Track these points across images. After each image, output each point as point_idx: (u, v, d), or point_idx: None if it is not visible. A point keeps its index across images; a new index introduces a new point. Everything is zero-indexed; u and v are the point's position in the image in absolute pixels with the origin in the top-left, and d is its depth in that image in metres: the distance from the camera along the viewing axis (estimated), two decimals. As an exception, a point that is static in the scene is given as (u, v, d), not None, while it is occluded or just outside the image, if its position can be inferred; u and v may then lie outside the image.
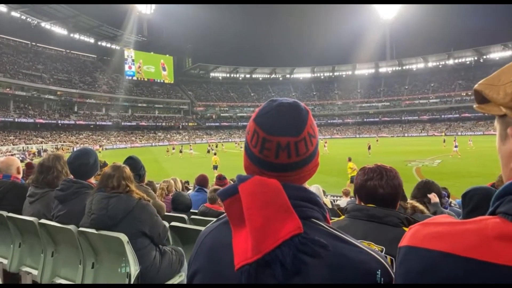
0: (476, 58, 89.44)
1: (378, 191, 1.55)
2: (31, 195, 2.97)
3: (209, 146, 43.91)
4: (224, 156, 23.80)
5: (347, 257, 0.73)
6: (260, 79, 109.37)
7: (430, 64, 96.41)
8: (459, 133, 69.59)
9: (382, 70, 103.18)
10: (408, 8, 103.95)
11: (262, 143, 0.80)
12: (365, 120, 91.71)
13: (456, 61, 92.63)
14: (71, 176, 2.85)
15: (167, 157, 35.42)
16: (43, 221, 2.72)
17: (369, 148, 30.73)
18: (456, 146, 26.86)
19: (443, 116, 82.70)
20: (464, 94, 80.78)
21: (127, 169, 2.62)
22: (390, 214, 1.51)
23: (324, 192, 8.68)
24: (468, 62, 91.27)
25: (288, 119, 0.80)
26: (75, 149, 4.24)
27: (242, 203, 0.77)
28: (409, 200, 2.66)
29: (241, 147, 48.79)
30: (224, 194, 0.82)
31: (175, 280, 2.65)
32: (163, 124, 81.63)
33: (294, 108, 0.82)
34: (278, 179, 0.79)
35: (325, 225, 0.80)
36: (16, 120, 54.99)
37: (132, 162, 3.78)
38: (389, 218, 1.49)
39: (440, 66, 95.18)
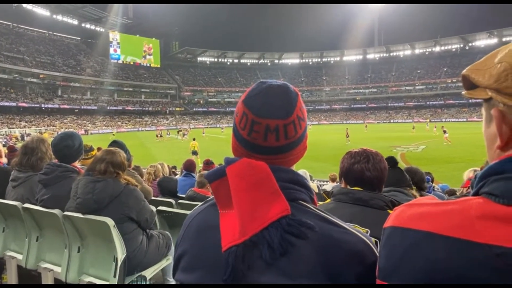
0: (462, 45, 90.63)
1: (365, 174, 1.57)
2: (14, 179, 2.91)
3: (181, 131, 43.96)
4: (209, 141, 23.63)
5: (333, 238, 0.73)
6: (248, 64, 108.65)
7: (417, 51, 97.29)
8: (443, 120, 70.77)
9: (370, 56, 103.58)
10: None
11: (250, 125, 0.79)
12: (352, 106, 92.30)
13: (443, 48, 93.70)
14: (55, 160, 2.81)
15: (157, 142, 35.14)
16: (27, 205, 2.67)
17: (347, 135, 29.71)
18: (445, 132, 26.70)
19: (428, 102, 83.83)
20: (450, 81, 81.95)
21: (120, 156, 2.56)
22: (376, 197, 1.53)
23: (310, 177, 8.77)
24: (454, 50, 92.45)
25: (278, 101, 0.79)
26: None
27: (230, 185, 0.77)
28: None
29: (222, 131, 48.49)
30: (211, 176, 0.82)
31: (162, 264, 2.66)
32: (150, 109, 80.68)
33: (283, 90, 0.81)
34: (266, 162, 0.79)
35: (312, 207, 0.80)
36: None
37: (117, 146, 3.72)
38: (374, 201, 1.51)
39: (427, 53, 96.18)
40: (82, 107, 67.94)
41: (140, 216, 2.50)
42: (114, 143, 3.75)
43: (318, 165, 15.78)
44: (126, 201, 2.42)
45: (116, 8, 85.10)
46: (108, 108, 72.25)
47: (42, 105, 61.26)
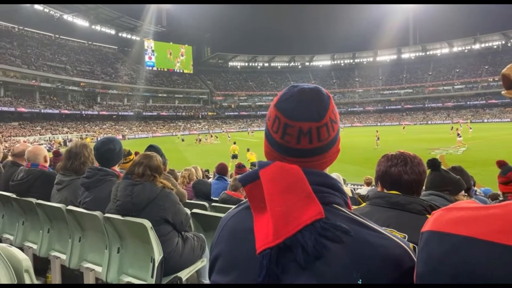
0: (503, 42, 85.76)
1: (403, 177, 1.52)
2: (59, 183, 3.07)
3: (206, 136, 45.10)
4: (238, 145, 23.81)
5: (369, 242, 0.72)
6: (279, 67, 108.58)
7: (455, 49, 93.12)
8: (485, 120, 67.33)
9: (405, 56, 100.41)
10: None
11: (283, 128, 0.80)
12: (386, 107, 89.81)
13: (483, 45, 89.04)
14: (96, 164, 2.94)
15: (194, 145, 36.14)
16: (70, 207, 2.82)
17: (377, 139, 27.95)
18: (459, 136, 25.40)
19: (468, 102, 79.99)
20: (491, 79, 77.83)
21: (157, 159, 2.65)
22: (413, 202, 1.47)
23: (344, 180, 8.61)
24: (495, 47, 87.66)
25: (310, 104, 0.80)
26: (99, 139, 4.45)
27: (263, 188, 0.77)
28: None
29: (252, 134, 48.65)
30: (245, 179, 0.82)
31: (197, 265, 2.70)
32: (183, 113, 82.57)
33: (315, 93, 0.82)
34: (299, 165, 0.79)
35: (346, 211, 0.79)
36: (42, 111, 56.73)
37: (153, 150, 3.84)
38: (412, 206, 1.46)
39: (466, 51, 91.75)
40: (120, 113, 70.70)
41: (175, 219, 2.57)
42: (151, 147, 3.88)
43: (352, 168, 15.48)
44: (163, 204, 2.49)
45: (150, 16, 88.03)
46: (144, 113, 74.71)
47: (83, 112, 64.33)
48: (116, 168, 2.96)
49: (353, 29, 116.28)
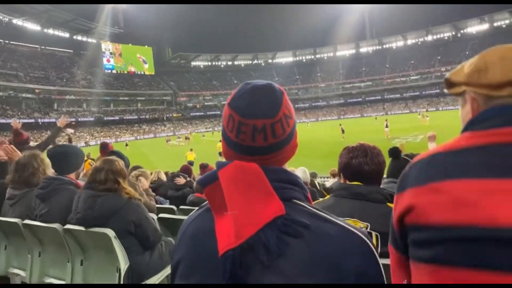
0: (453, 33, 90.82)
1: (364, 168, 1.57)
2: (11, 198, 2.88)
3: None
4: (207, 145, 23.59)
5: (328, 235, 0.73)
6: (242, 65, 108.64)
7: (409, 42, 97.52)
8: (440, 108, 70.84)
9: (363, 50, 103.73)
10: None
11: (238, 127, 0.79)
12: (348, 101, 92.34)
13: (435, 37, 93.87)
14: (51, 173, 2.80)
15: (169, 148, 35.94)
16: (27, 221, 2.65)
17: (342, 131, 29.30)
18: (387, 126, 26.89)
19: (424, 92, 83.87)
20: (444, 69, 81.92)
21: (119, 163, 2.53)
22: (374, 191, 1.53)
23: (314, 174, 8.76)
24: (446, 38, 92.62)
25: (263, 101, 0.79)
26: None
27: (223, 188, 0.76)
28: None
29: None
30: (204, 181, 0.81)
31: (167, 271, 2.64)
32: (147, 116, 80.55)
33: (268, 90, 0.81)
34: (257, 163, 0.79)
35: (306, 205, 0.80)
36: (-5, 121, 53.42)
37: (115, 155, 3.70)
38: (373, 195, 1.51)
39: (419, 43, 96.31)
40: (79, 119, 67.84)
41: (142, 234, 2.43)
42: (112, 153, 3.74)
43: (319, 162, 15.76)
44: (127, 217, 2.37)
45: (106, 18, 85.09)
46: (105, 118, 72.18)
47: (39, 120, 61.13)
48: (73, 176, 2.82)
49: (313, 25, 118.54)
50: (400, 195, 0.83)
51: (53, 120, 62.97)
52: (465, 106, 0.87)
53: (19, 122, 4.97)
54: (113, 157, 2.63)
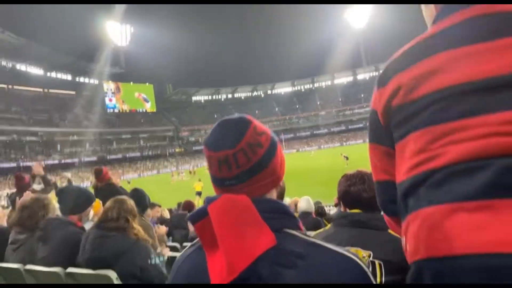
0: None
1: (362, 195, 1.56)
2: (13, 242, 2.85)
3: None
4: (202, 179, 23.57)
5: (321, 261, 0.73)
6: (242, 98, 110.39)
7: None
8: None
9: (360, 77, 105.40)
10: (378, 15, 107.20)
11: (209, 161, 0.83)
12: (349, 127, 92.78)
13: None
14: (55, 215, 2.80)
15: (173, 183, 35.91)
16: (28, 267, 2.61)
17: (346, 158, 29.61)
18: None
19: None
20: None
21: (130, 202, 2.55)
22: (374, 218, 1.51)
23: (319, 202, 8.65)
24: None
25: (225, 133, 0.82)
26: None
27: (213, 223, 0.75)
28: None
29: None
30: (194, 217, 0.80)
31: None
32: (150, 153, 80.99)
33: (233, 122, 0.84)
34: (239, 193, 0.79)
35: (298, 234, 0.79)
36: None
37: (137, 193, 3.72)
38: (373, 222, 1.50)
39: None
40: (82, 159, 68.22)
41: (146, 276, 2.37)
42: (134, 191, 3.81)
43: (323, 190, 15.64)
44: (133, 260, 2.33)
45: (106, 58, 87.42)
46: (108, 157, 72.59)
47: (43, 162, 61.48)
48: (75, 217, 2.80)
49: (309, 55, 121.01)
50: (383, 88, 0.90)
51: (57, 161, 63.45)
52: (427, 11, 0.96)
53: (42, 164, 5.07)
54: (124, 197, 2.65)
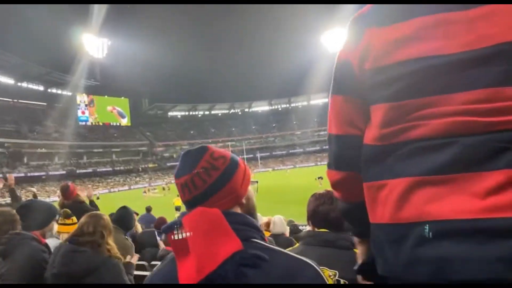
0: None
1: (330, 215, 1.57)
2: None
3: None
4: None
5: (281, 263, 0.83)
6: (220, 114, 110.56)
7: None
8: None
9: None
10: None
11: (177, 188, 0.96)
12: (323, 147, 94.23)
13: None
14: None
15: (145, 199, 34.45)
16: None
17: (321, 178, 28.88)
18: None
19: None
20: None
21: (106, 217, 2.51)
22: (341, 238, 1.53)
23: (292, 221, 8.63)
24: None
25: (185, 160, 0.96)
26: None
27: (185, 232, 0.84)
28: None
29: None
30: (168, 227, 0.87)
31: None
32: (121, 168, 78.93)
33: (192, 151, 0.97)
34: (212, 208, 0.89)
35: (262, 242, 0.89)
36: (-42, 177, 50.81)
37: (125, 212, 3.65)
38: (340, 242, 1.52)
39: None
40: (49, 173, 65.59)
41: None
42: (123, 208, 3.81)
43: (296, 208, 15.66)
44: (102, 278, 2.24)
45: (81, 70, 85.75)
46: (78, 171, 70.25)
47: (7, 175, 58.69)
48: (38, 233, 2.66)
49: (286, 75, 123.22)
50: (356, 44, 0.89)
51: (22, 174, 60.69)
52: None
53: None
54: (98, 212, 2.63)
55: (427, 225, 0.71)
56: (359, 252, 1.10)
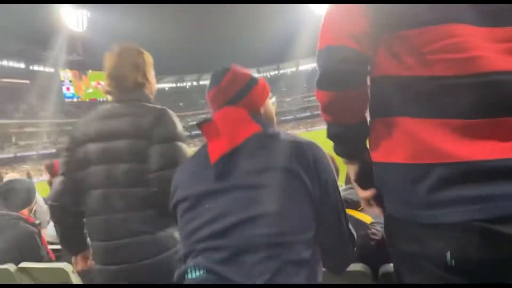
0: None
1: None
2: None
3: None
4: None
5: (295, 140, 1.05)
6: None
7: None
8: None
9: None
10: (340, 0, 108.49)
11: (208, 101, 1.21)
12: (314, 113, 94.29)
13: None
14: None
15: None
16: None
17: None
18: None
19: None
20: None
21: None
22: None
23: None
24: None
25: (213, 78, 1.22)
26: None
27: (216, 121, 1.09)
28: None
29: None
30: (204, 120, 1.13)
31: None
32: (112, 143, 78.38)
33: (218, 71, 1.22)
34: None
35: (279, 131, 1.11)
36: None
37: None
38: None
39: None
40: (40, 152, 64.94)
41: None
42: None
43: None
44: None
45: (62, 45, 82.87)
46: (68, 149, 69.56)
47: (-4, 156, 58.00)
48: (25, 212, 2.65)
49: (274, 41, 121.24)
50: None
51: (12, 155, 60.01)
52: None
53: None
54: None
55: (458, 165, 0.71)
56: (351, 169, 1.10)
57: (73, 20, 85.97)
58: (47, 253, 2.55)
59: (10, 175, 4.74)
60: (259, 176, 0.97)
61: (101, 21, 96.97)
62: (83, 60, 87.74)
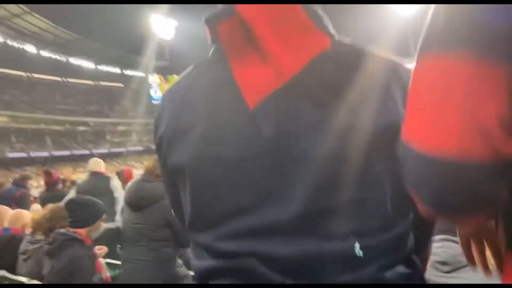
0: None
1: None
2: (23, 252, 2.69)
3: None
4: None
5: (384, 58, 0.66)
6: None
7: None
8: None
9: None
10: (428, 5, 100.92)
11: None
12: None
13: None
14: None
15: None
16: (34, 282, 2.44)
17: None
18: None
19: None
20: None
21: None
22: None
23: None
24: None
25: None
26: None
27: (247, 23, 0.57)
28: None
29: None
30: (216, 16, 0.62)
31: None
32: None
33: None
34: None
35: (349, 42, 0.67)
36: (54, 154, 57.42)
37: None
38: None
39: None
40: (129, 149, 71.13)
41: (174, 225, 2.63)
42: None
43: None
44: (166, 206, 2.29)
45: (152, 52, 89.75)
46: (153, 147, 74.88)
47: (93, 151, 64.91)
48: (83, 232, 2.53)
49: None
50: None
51: (106, 150, 66.68)
52: None
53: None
54: None
55: None
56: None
57: (162, 28, 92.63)
58: (101, 278, 2.42)
59: (75, 176, 4.94)
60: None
61: (187, 29, 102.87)
62: (168, 65, 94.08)
